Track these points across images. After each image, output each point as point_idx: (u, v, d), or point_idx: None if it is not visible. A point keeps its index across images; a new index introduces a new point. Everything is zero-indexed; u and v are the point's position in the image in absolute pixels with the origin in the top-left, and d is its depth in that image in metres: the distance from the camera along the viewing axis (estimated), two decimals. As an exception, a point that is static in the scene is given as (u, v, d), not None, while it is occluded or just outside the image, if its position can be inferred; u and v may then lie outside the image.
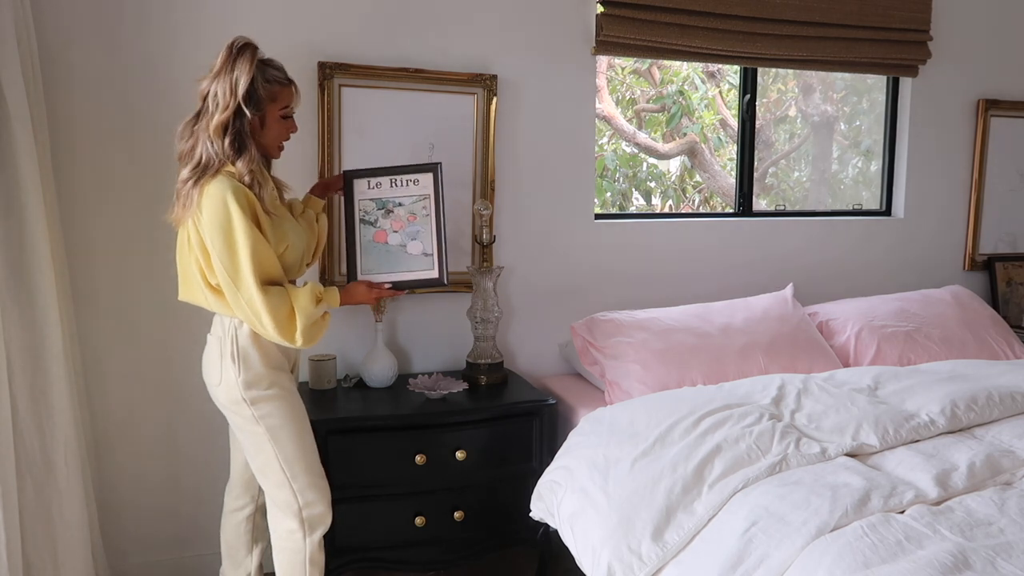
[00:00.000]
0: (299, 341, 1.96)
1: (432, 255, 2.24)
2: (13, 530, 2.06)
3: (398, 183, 2.30)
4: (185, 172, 1.92)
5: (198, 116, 1.95)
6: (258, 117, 1.96)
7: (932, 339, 2.89)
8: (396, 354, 2.70)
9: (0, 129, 2.05)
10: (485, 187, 2.79)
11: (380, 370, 2.59)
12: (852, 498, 1.72)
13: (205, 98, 1.93)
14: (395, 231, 2.26)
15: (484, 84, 2.74)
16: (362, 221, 2.27)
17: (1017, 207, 3.65)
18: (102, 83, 2.40)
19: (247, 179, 1.92)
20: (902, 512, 1.72)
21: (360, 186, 2.30)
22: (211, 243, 1.89)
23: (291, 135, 2.09)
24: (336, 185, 2.36)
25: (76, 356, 2.39)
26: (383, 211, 2.29)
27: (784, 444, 1.98)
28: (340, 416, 2.34)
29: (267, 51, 2.01)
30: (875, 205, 3.57)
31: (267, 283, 1.92)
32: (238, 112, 1.91)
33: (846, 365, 2.80)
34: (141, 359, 2.53)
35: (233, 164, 1.92)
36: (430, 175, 2.30)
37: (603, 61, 3.63)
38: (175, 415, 2.58)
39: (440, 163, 2.33)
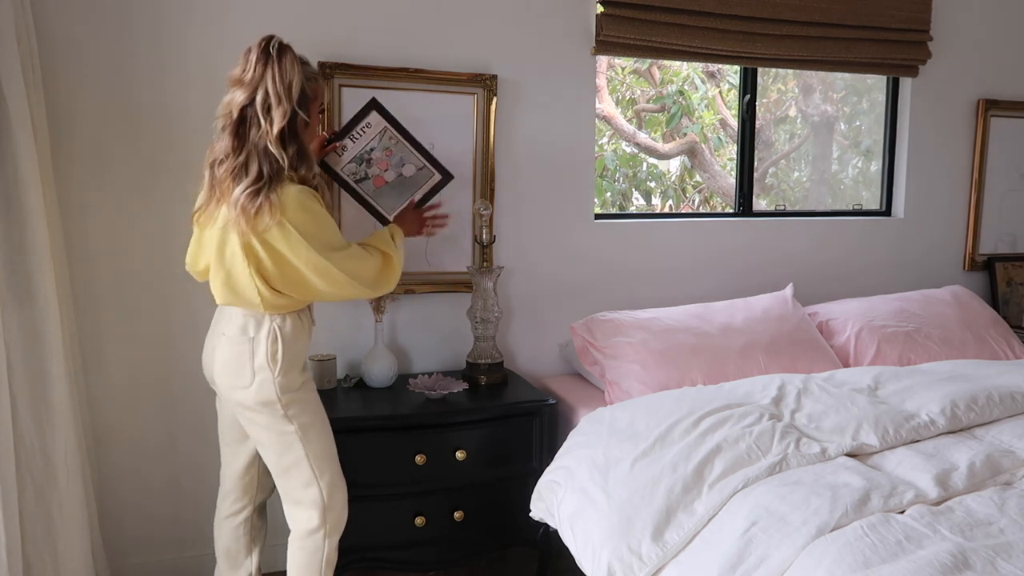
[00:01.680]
0: (394, 283, 2.12)
1: (425, 166, 2.55)
2: (13, 530, 2.05)
3: (356, 136, 2.50)
4: (240, 189, 1.84)
5: (238, 128, 1.87)
6: (305, 118, 1.94)
7: (932, 339, 2.89)
8: (396, 354, 2.70)
9: (0, 129, 2.05)
10: (485, 187, 2.79)
11: (380, 370, 2.59)
12: (852, 498, 1.72)
13: (243, 110, 1.86)
14: (385, 171, 2.51)
15: (484, 84, 2.74)
16: (357, 182, 2.52)
17: (1017, 207, 3.65)
18: (102, 83, 2.40)
19: (312, 183, 1.96)
20: (902, 512, 1.72)
21: (334, 161, 2.48)
22: (302, 242, 1.88)
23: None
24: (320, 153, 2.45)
25: (76, 356, 2.39)
26: (364, 164, 2.52)
27: (784, 444, 1.98)
28: (340, 416, 2.34)
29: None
30: (875, 205, 3.57)
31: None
32: (292, 117, 1.87)
33: (846, 365, 2.80)
34: (141, 359, 2.53)
35: (296, 171, 1.91)
36: (374, 112, 2.50)
37: (603, 61, 3.63)
38: (175, 415, 2.58)
39: (373, 96, 2.51)
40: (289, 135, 1.89)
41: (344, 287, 1.99)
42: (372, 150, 2.52)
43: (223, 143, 1.90)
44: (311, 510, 2.05)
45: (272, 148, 1.86)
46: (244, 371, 1.96)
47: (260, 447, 2.06)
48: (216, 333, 2.06)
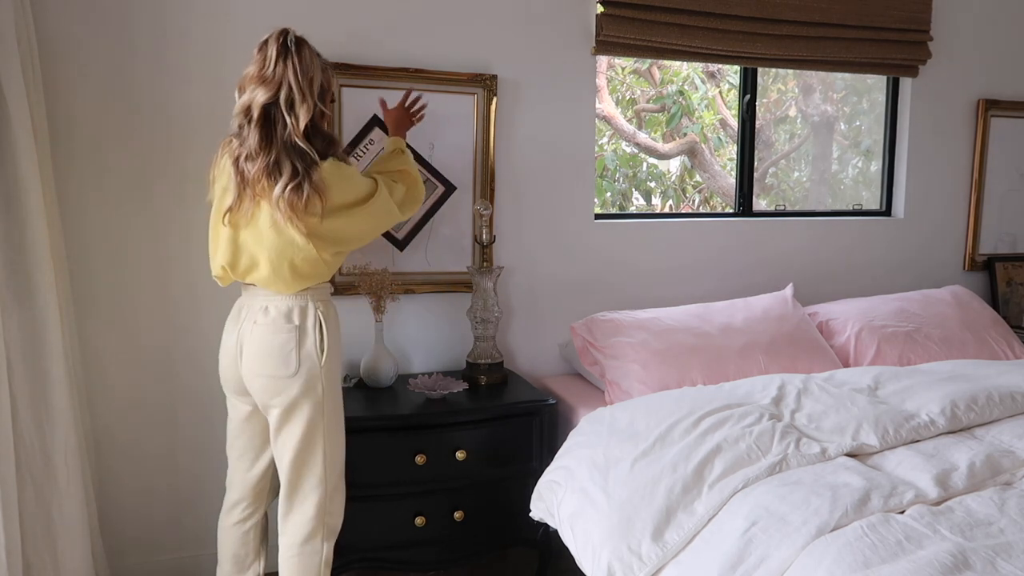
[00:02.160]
0: (423, 193, 2.25)
1: (428, 179, 2.65)
2: (13, 530, 2.05)
3: (360, 154, 2.58)
4: (280, 187, 1.85)
5: (264, 125, 1.87)
6: (324, 109, 1.96)
7: (932, 339, 2.88)
8: (396, 354, 2.70)
9: (0, 129, 2.05)
10: (485, 187, 2.79)
11: (380, 370, 2.59)
12: (852, 498, 1.72)
13: (268, 107, 1.86)
14: None
15: (484, 84, 2.74)
16: None
17: (1017, 207, 3.65)
18: (103, 83, 2.40)
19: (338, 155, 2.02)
20: (902, 512, 1.72)
21: None
22: (354, 207, 1.98)
23: None
24: None
25: (76, 356, 2.39)
26: None
27: (784, 444, 1.98)
28: (340, 416, 2.34)
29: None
30: (875, 205, 3.57)
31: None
32: (314, 111, 1.91)
33: (846, 365, 2.80)
34: (141, 359, 2.53)
35: (325, 158, 1.94)
36: (376, 128, 2.60)
37: (603, 61, 3.63)
38: (175, 415, 2.58)
39: (374, 114, 2.59)
40: (313, 129, 1.92)
41: (392, 217, 2.14)
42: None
43: (251, 140, 1.88)
44: (310, 513, 2.03)
45: (301, 144, 1.88)
46: (290, 359, 1.94)
47: (284, 444, 2.00)
48: (241, 324, 2.01)
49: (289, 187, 1.85)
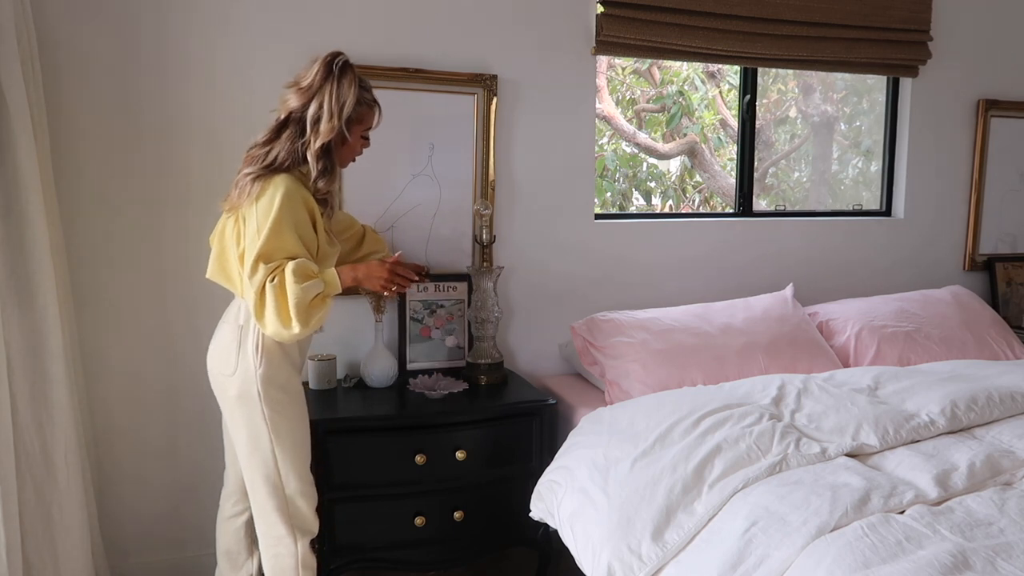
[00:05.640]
0: (295, 326, 1.84)
1: (463, 348, 2.77)
2: (13, 530, 2.05)
3: (441, 288, 2.73)
4: (250, 168, 1.91)
5: (281, 128, 1.92)
6: (346, 135, 1.96)
7: (932, 339, 2.88)
8: (396, 354, 2.69)
9: (0, 129, 2.05)
10: (485, 187, 2.79)
11: (380, 370, 2.59)
12: (852, 498, 1.72)
13: (291, 112, 1.91)
14: (437, 327, 2.74)
15: (484, 84, 2.74)
16: (412, 319, 2.70)
17: (1017, 207, 3.65)
18: (103, 82, 2.40)
19: (320, 195, 1.96)
20: (902, 512, 1.72)
21: (411, 290, 2.63)
22: (253, 229, 1.89)
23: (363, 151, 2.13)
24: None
25: (76, 356, 2.39)
26: (429, 311, 2.73)
27: (784, 444, 1.98)
28: (340, 416, 2.34)
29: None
30: (875, 205, 3.57)
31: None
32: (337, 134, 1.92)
33: (846, 365, 2.80)
34: (141, 358, 2.53)
35: (316, 184, 1.93)
36: (465, 284, 2.75)
37: (603, 61, 3.63)
38: (175, 415, 2.58)
39: (470, 275, 2.71)
40: (326, 152, 1.93)
41: (249, 295, 1.87)
42: (442, 307, 2.74)
43: (263, 136, 1.96)
44: (275, 517, 2.02)
45: (309, 157, 1.91)
46: (230, 358, 1.97)
47: (236, 445, 2.03)
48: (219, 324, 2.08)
49: (252, 175, 1.89)
